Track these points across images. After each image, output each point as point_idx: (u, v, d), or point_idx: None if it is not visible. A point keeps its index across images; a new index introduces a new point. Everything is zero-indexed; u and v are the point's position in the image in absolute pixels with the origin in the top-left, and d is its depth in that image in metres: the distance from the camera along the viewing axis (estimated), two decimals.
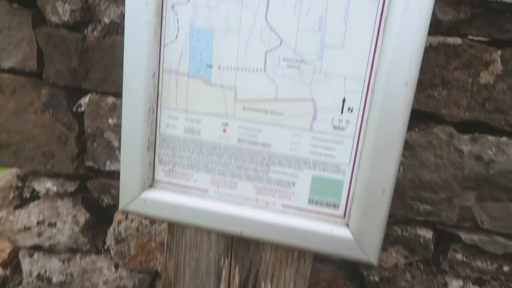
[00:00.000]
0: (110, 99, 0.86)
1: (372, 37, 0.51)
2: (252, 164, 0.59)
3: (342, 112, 0.54)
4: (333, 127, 0.55)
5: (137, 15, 0.55)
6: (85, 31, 0.82)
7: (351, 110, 0.54)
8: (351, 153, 0.56)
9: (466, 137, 0.73)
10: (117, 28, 0.81)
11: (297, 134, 0.57)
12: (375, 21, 0.51)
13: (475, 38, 0.69)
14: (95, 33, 0.82)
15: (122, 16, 0.80)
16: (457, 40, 0.68)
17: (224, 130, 0.59)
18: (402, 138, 0.53)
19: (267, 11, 0.53)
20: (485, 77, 0.70)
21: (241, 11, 0.54)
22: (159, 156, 0.62)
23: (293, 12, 0.52)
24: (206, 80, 0.57)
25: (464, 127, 0.74)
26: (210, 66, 0.56)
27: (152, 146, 0.61)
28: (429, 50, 0.69)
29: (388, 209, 0.56)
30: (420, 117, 0.75)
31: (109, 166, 0.90)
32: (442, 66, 0.70)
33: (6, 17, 0.83)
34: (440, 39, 0.69)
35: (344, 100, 0.54)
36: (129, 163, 0.61)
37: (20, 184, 1.01)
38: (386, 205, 0.55)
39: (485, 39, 0.68)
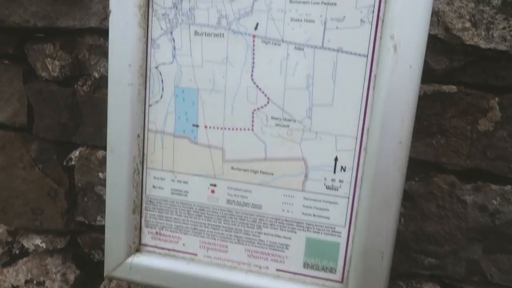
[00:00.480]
0: (101, 153, 0.84)
1: (362, 94, 0.49)
2: (242, 227, 0.56)
3: (334, 171, 0.52)
4: (326, 187, 0.52)
5: (120, 77, 0.53)
6: (75, 85, 0.82)
7: (344, 169, 0.51)
8: (347, 214, 0.53)
9: (468, 186, 0.70)
10: (107, 82, 0.80)
11: (289, 194, 0.54)
12: (364, 78, 0.49)
13: (470, 83, 0.67)
14: (85, 87, 0.81)
15: None
16: (452, 88, 0.66)
17: (213, 191, 0.56)
18: (399, 198, 0.50)
19: (252, 70, 0.51)
20: (484, 124, 0.67)
21: (227, 71, 0.52)
22: (145, 218, 0.59)
23: (279, 71, 0.51)
24: (192, 140, 0.55)
25: (466, 175, 0.71)
26: (197, 125, 0.55)
27: (137, 208, 0.58)
28: (424, 98, 0.67)
29: (389, 274, 0.52)
30: (419, 166, 0.72)
31: (100, 220, 0.87)
32: (439, 114, 0.68)
33: None
34: (435, 87, 0.67)
35: (336, 159, 0.51)
36: (114, 227, 0.58)
37: (10, 239, 0.98)
38: (386, 270, 0.51)
39: (481, 86, 0.67)
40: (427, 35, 0.46)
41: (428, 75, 0.66)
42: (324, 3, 0.48)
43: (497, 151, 0.68)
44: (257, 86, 0.52)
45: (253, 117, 0.53)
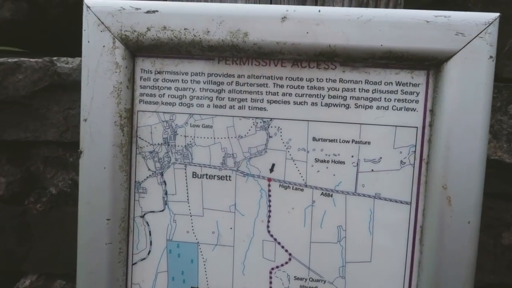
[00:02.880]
0: (59, 283, 0.68)
1: (407, 249, 0.40)
2: None
3: None
4: None
5: (96, 234, 0.41)
6: (26, 202, 0.67)
7: None
8: None
9: None
10: (67, 198, 0.66)
11: None
12: (408, 230, 0.40)
13: (490, 193, 0.61)
14: (38, 205, 0.66)
15: (74, 184, 0.65)
16: None
17: None
18: None
19: (269, 220, 0.41)
20: (508, 238, 0.61)
21: (235, 221, 0.41)
22: None
23: (303, 222, 0.41)
24: None
25: None
26: None
27: None
28: None
29: None
30: None
31: None
32: None
33: None
34: None
35: None
36: None
37: None
38: None
39: (502, 196, 0.61)
40: (483, 182, 0.38)
41: None
42: (356, 142, 0.40)
43: None
44: (275, 240, 0.41)
45: (271, 277, 0.42)
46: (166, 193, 0.42)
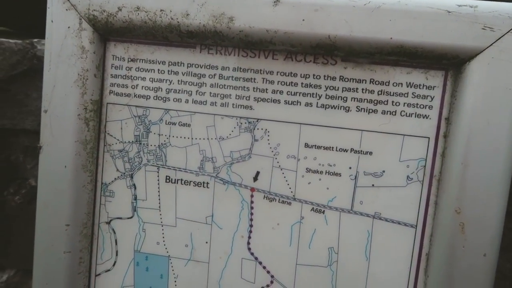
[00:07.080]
0: None
1: (409, 279, 0.34)
2: None
3: None
4: None
5: (52, 242, 0.36)
6: (5, 193, 0.62)
7: None
8: None
9: None
10: None
11: None
12: (412, 257, 0.34)
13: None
14: (17, 197, 0.62)
15: None
16: None
17: None
18: None
19: (250, 236, 0.36)
20: None
21: (212, 235, 0.36)
22: None
23: (288, 240, 0.35)
24: None
25: None
26: None
27: None
28: None
29: None
30: None
31: None
32: None
33: None
34: None
35: None
36: None
37: None
38: None
39: None
40: (505, 209, 0.32)
41: None
42: (355, 151, 0.34)
43: None
44: (256, 259, 0.36)
45: None
46: (135, 198, 0.37)
